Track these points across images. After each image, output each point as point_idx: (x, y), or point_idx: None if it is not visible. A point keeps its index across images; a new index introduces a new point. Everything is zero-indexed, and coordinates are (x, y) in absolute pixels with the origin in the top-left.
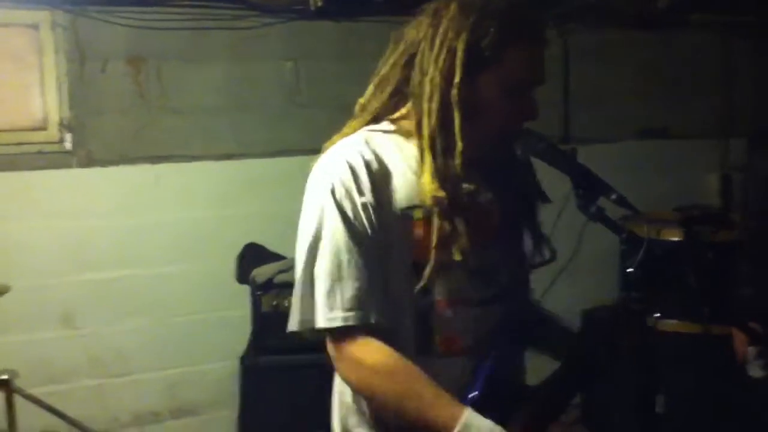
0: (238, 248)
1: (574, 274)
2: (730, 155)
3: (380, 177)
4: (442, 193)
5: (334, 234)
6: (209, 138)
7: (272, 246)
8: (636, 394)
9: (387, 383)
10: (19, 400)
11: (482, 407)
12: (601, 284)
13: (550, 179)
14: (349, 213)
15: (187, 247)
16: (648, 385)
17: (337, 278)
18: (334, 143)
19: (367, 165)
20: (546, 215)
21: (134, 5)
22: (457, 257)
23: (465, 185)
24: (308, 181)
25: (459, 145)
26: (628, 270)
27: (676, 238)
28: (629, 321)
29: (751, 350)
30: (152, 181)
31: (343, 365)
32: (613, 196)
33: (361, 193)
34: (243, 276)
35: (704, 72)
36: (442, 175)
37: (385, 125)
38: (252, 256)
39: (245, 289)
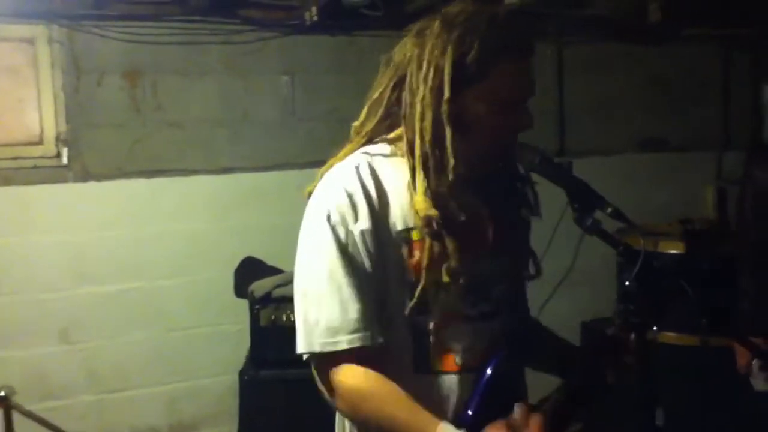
0: (235, 262)
1: (571, 287)
2: (726, 168)
3: (377, 200)
4: (434, 212)
5: (332, 261)
6: (205, 152)
7: (270, 260)
8: (636, 407)
9: (366, 405)
10: (17, 417)
11: (480, 424)
12: (598, 297)
13: (547, 193)
14: (346, 239)
15: (184, 260)
16: (648, 398)
17: (337, 303)
18: (330, 167)
19: (364, 189)
20: (543, 228)
21: (130, 19)
22: (445, 278)
23: (458, 202)
24: (306, 208)
25: (451, 162)
26: (626, 283)
27: (673, 251)
28: (629, 337)
29: (755, 363)
30: (149, 195)
31: (327, 389)
32: (609, 210)
33: (357, 218)
34: (241, 290)
35: (700, 84)
36: (434, 194)
37: (382, 147)
38: (250, 269)
39: (243, 303)
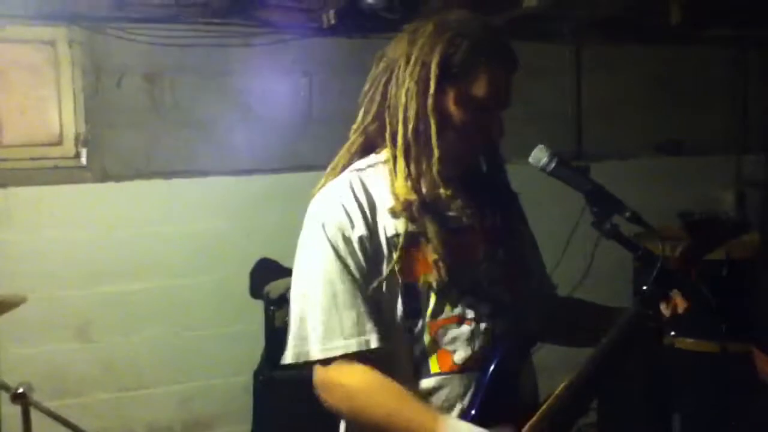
0: (251, 263)
1: (587, 290)
2: (745, 170)
3: (369, 209)
4: (413, 196)
5: (327, 268)
6: (223, 153)
7: (286, 261)
8: (652, 413)
9: (368, 403)
10: (34, 414)
11: (483, 422)
12: (614, 301)
13: (563, 197)
14: (341, 246)
15: (201, 261)
16: (664, 404)
17: (333, 309)
18: (324, 185)
19: (357, 200)
20: (559, 232)
21: (150, 21)
22: (435, 278)
23: (443, 195)
24: (304, 219)
25: (436, 152)
26: (644, 288)
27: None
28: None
29: None
30: (166, 196)
31: (325, 392)
32: (627, 214)
33: (353, 226)
34: (256, 291)
35: (719, 87)
36: (414, 181)
37: (372, 158)
38: (265, 271)
39: (259, 304)
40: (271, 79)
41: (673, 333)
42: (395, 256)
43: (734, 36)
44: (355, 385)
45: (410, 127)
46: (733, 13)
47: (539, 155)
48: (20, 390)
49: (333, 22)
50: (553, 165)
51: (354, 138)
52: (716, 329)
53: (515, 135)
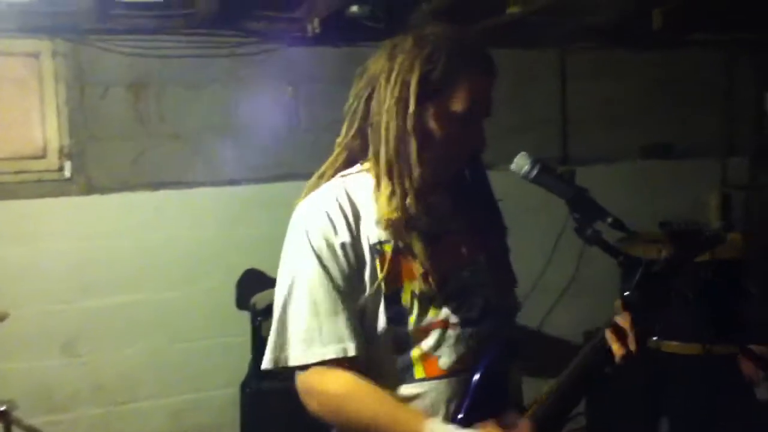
0: (238, 274)
1: (574, 296)
2: (730, 174)
3: (353, 218)
4: (396, 215)
5: (309, 275)
6: (209, 163)
7: (272, 272)
8: (640, 416)
9: (351, 409)
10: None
11: (470, 425)
12: (601, 307)
13: (549, 203)
14: (324, 253)
15: (187, 273)
16: (652, 407)
17: (314, 316)
18: (314, 181)
19: (341, 208)
20: (546, 239)
21: (134, 33)
22: (422, 286)
23: (427, 208)
24: (288, 228)
25: (416, 171)
26: (626, 293)
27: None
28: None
29: (760, 372)
30: (153, 208)
31: (307, 398)
32: (609, 220)
33: (336, 233)
34: (243, 302)
35: (704, 90)
36: (398, 199)
37: (356, 168)
38: (252, 281)
39: (246, 315)
40: (257, 88)
41: (656, 338)
42: (379, 266)
43: (719, 40)
44: (336, 391)
45: (391, 146)
46: (717, 17)
47: (521, 163)
48: (2, 408)
49: (318, 31)
50: (535, 172)
51: (338, 152)
52: (701, 331)
53: (501, 141)
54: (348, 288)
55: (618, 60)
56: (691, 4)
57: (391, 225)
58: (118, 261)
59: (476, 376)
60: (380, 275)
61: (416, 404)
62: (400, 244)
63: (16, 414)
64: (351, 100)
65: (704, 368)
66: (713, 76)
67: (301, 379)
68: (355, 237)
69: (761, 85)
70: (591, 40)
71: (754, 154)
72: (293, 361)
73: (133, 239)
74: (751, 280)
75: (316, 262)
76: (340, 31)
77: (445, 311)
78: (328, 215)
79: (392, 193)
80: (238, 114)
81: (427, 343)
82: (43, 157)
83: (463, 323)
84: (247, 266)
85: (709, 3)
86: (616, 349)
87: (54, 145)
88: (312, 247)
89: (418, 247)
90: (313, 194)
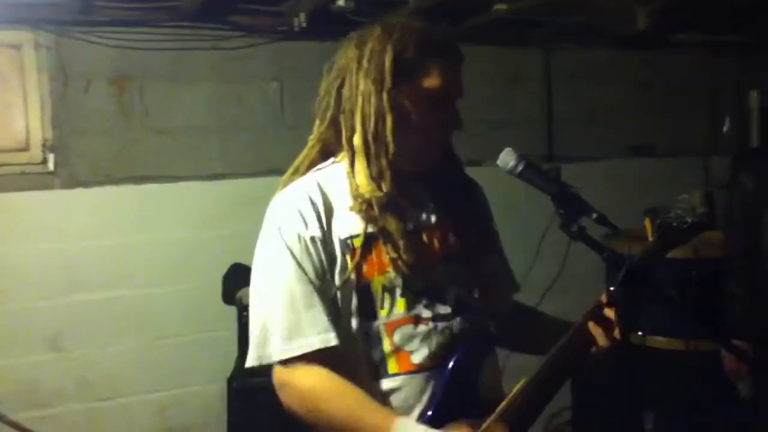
0: (224, 269)
1: (560, 293)
2: (713, 173)
3: (325, 212)
4: (377, 194)
5: (284, 270)
6: (194, 158)
7: None
8: (625, 410)
9: (323, 406)
10: (3, 427)
11: (440, 422)
12: (587, 303)
13: (535, 199)
14: (296, 249)
15: (173, 267)
16: (637, 402)
17: (292, 311)
18: (285, 184)
19: (313, 203)
20: (532, 235)
21: (118, 25)
22: (389, 279)
23: (402, 195)
24: (262, 224)
25: (391, 147)
26: (610, 289)
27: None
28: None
29: (743, 368)
30: (137, 202)
31: (282, 393)
32: (594, 216)
33: (307, 227)
34: (229, 296)
35: (688, 90)
36: (377, 178)
37: (330, 162)
38: (238, 276)
39: (232, 310)
40: (242, 83)
41: (640, 333)
42: (349, 259)
43: (703, 41)
44: (310, 386)
45: (369, 126)
46: (700, 19)
47: (506, 158)
48: None
49: (304, 25)
50: (520, 168)
51: (311, 145)
52: (685, 328)
53: (487, 138)
54: (322, 281)
55: (603, 60)
56: (675, 5)
57: (367, 206)
58: (103, 256)
59: (446, 373)
60: (350, 267)
61: (392, 399)
62: (373, 228)
63: (1, 409)
64: (321, 94)
65: (688, 364)
66: (697, 76)
67: (276, 373)
68: (326, 232)
69: (745, 85)
70: (576, 39)
71: (737, 153)
72: (277, 356)
73: (118, 233)
74: (732, 277)
75: (290, 257)
76: (326, 25)
77: (416, 306)
78: (300, 211)
79: (368, 172)
80: (222, 108)
81: (399, 338)
82: (25, 149)
83: (434, 318)
84: (233, 261)
85: (693, 4)
86: (601, 340)
87: (37, 138)
88: (285, 243)
89: (392, 227)
90: (285, 189)
